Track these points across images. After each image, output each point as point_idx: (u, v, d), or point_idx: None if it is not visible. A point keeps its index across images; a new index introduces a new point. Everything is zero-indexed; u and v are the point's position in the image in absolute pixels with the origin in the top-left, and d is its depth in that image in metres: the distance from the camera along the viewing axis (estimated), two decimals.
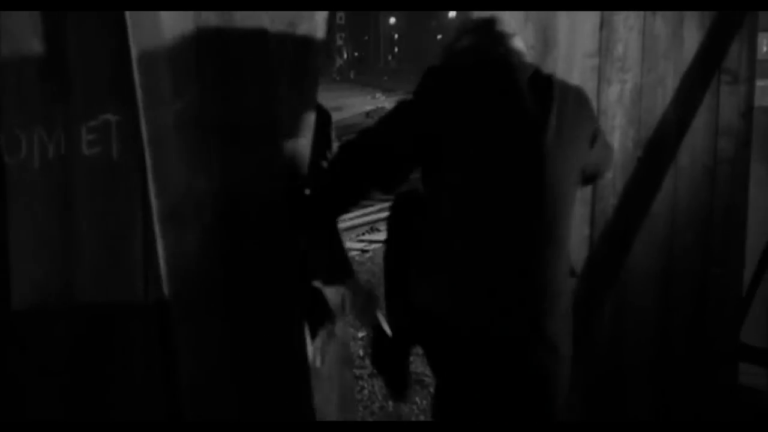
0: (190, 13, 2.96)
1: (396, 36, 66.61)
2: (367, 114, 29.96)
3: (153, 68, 2.92)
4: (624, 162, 3.87)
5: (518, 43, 3.00)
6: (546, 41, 3.72)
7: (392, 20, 64.49)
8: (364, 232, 12.12)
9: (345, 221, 12.31)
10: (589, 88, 3.81)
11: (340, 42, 52.48)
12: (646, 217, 3.94)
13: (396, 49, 66.65)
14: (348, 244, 11.41)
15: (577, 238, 3.86)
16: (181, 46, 2.95)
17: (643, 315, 3.98)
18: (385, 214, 12.81)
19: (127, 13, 2.90)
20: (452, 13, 65.51)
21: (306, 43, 3.17)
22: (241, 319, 3.13)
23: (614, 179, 3.87)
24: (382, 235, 11.97)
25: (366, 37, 63.54)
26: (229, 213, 3.08)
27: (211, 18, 2.99)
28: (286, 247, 3.21)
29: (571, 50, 3.76)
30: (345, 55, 53.41)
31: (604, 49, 3.80)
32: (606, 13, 3.81)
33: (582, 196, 3.85)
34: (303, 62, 3.17)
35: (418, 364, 5.86)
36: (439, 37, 66.95)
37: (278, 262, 3.19)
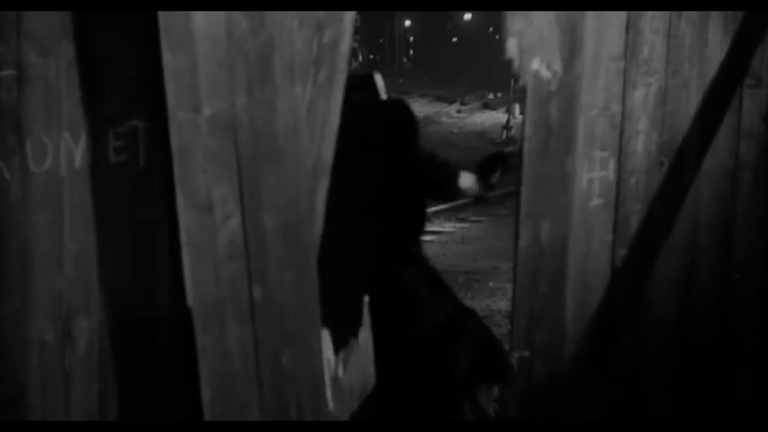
0: (221, 17, 2.96)
1: (411, 38, 66.50)
2: None
3: (183, 73, 2.92)
4: (648, 166, 3.87)
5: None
6: (573, 44, 3.73)
7: (407, 22, 64.44)
8: None
9: None
10: (614, 91, 3.82)
11: (355, 44, 52.44)
12: (670, 222, 3.94)
13: (411, 52, 66.54)
14: None
15: (598, 244, 3.87)
16: (213, 51, 2.96)
17: (665, 321, 3.97)
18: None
19: (160, 16, 2.89)
20: (467, 15, 65.40)
21: (333, 45, 3.18)
22: (264, 325, 3.14)
23: (637, 183, 3.88)
24: None
25: (381, 40, 63.48)
26: (256, 220, 3.09)
27: (242, 22, 3.00)
28: (311, 254, 3.23)
29: (598, 53, 3.77)
30: (360, 57, 53.35)
31: (629, 52, 3.82)
32: (632, 14, 3.82)
33: (604, 201, 3.85)
34: (330, 65, 3.18)
35: None
36: (454, 39, 66.82)
37: (303, 268, 3.20)
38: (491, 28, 66.14)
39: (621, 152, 3.83)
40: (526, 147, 3.68)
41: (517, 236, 3.77)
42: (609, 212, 3.85)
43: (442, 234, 12.41)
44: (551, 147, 3.70)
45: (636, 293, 3.91)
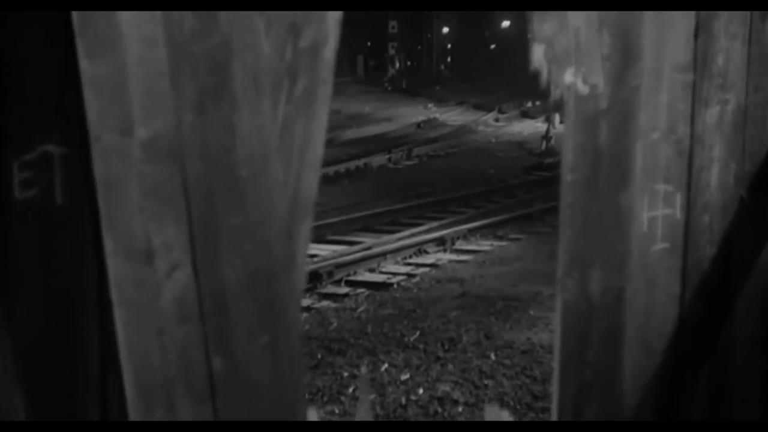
0: (158, 15, 2.22)
1: (449, 45, 65.84)
2: (419, 125, 29.22)
3: (108, 85, 2.18)
4: (724, 202, 3.09)
5: None
6: (626, 51, 2.93)
7: (445, 29, 63.80)
8: (411, 254, 11.34)
9: (392, 243, 11.57)
10: (681, 110, 3.02)
11: (392, 51, 51.93)
12: (752, 270, 3.15)
13: (449, 59, 65.87)
14: (392, 268, 10.65)
15: (662, 297, 3.08)
16: (148, 56, 2.21)
17: (748, 392, 3.19)
18: (435, 234, 12.13)
19: (74, 15, 2.17)
20: (505, 22, 64.74)
21: (314, 51, 2.41)
22: (227, 406, 2.41)
23: (711, 223, 3.09)
24: (430, 258, 11.20)
25: (419, 47, 62.85)
26: (213, 271, 2.35)
27: (187, 21, 2.25)
28: (290, 313, 2.48)
29: (659, 63, 2.96)
30: (397, 65, 52.82)
31: (700, 61, 3.01)
32: (703, 15, 3.01)
33: (670, 245, 3.07)
34: (310, 76, 2.42)
35: None
36: (492, 46, 66.15)
37: (279, 331, 2.46)
38: (530, 35, 65.29)
39: (690, 185, 3.03)
40: (569, 178, 2.88)
41: (559, 288, 3.00)
42: (676, 259, 3.06)
43: (479, 253, 11.62)
44: (601, 179, 2.91)
45: (711, 358, 3.13)
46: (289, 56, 2.40)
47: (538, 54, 2.78)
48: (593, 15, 2.84)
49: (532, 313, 8.40)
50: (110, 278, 2.25)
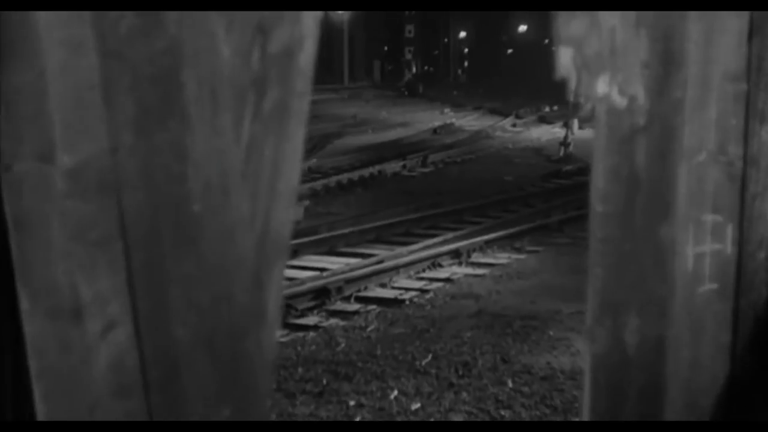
0: (86, 16, 1.76)
1: (466, 50, 65.38)
2: (435, 130, 28.76)
3: (21, 99, 1.74)
4: None
5: None
6: (668, 57, 2.43)
7: (462, 34, 63.33)
8: (424, 268, 10.86)
9: (405, 255, 11.10)
10: (732, 127, 2.52)
11: (408, 56, 51.52)
12: None
13: (466, 63, 65.41)
14: (405, 283, 10.19)
15: (710, 347, 2.60)
16: (74, 64, 1.76)
17: None
18: (450, 247, 11.66)
19: None
20: (522, 27, 64.27)
21: (286, 57, 1.95)
22: None
23: None
24: (445, 272, 10.73)
25: (435, 51, 62.43)
26: (160, 330, 1.89)
27: (124, 20, 1.79)
28: (260, 379, 2.03)
29: (706, 70, 2.46)
30: (414, 69, 52.41)
31: (754, 69, 2.51)
32: (757, 16, 2.51)
33: (719, 286, 2.59)
34: (282, 87, 1.96)
35: None
36: (509, 51, 65.68)
37: (246, 402, 2.01)
38: (546, 40, 64.92)
39: (743, 215, 2.55)
40: (600, 208, 2.40)
41: (588, 339, 2.53)
42: (726, 302, 2.58)
43: (495, 267, 11.14)
44: (638, 209, 2.43)
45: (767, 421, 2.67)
46: (255, 63, 1.94)
47: (564, 59, 2.31)
48: (631, 15, 2.37)
49: (551, 333, 7.92)
50: (27, 342, 1.80)
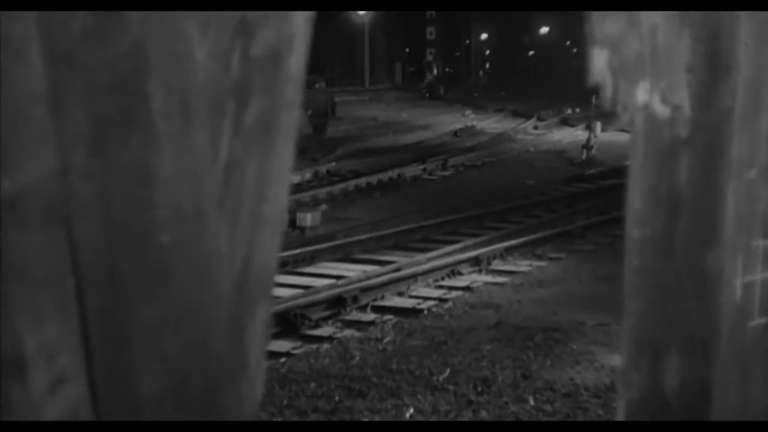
0: (30, 16, 1.48)
1: (487, 52, 65.03)
2: (455, 133, 28.44)
3: None
4: None
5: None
6: (715, 60, 2.11)
7: (484, 36, 62.97)
8: (443, 276, 10.56)
9: (423, 263, 10.80)
10: None
11: (430, 58, 51.22)
12: None
13: (487, 65, 65.06)
14: (423, 291, 9.90)
15: (761, 390, 2.29)
16: (15, 73, 1.47)
17: None
18: (469, 254, 11.36)
19: None
20: (544, 28, 63.83)
21: (273, 61, 1.67)
22: None
23: None
24: (464, 280, 10.43)
25: (457, 53, 62.10)
26: (120, 386, 1.60)
27: (76, 20, 1.50)
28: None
29: (759, 76, 2.14)
30: (435, 71, 52.10)
31: None
32: None
33: None
34: (267, 96, 1.68)
35: None
36: (531, 53, 65.31)
37: None
38: (568, 41, 64.52)
39: None
40: (637, 234, 2.08)
41: (621, 384, 2.23)
42: None
43: (516, 275, 10.83)
44: (680, 234, 2.11)
45: None
46: (236, 68, 1.65)
47: (599, 62, 2.01)
48: (675, 13, 2.07)
49: (574, 347, 7.61)
50: None
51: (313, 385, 6.93)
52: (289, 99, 1.69)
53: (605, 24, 1.99)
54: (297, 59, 1.71)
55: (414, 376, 7.05)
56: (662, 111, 2.03)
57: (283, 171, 1.72)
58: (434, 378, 6.98)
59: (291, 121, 1.69)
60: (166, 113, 1.59)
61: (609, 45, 1.99)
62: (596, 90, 2.10)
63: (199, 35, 1.61)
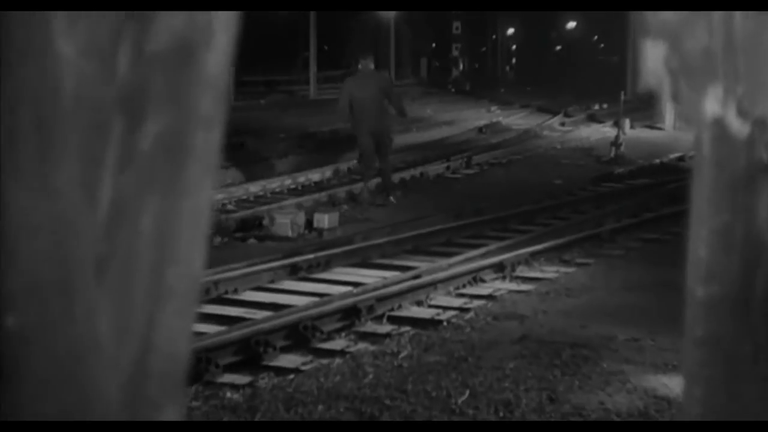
0: None
1: (514, 47, 64.37)
2: (481, 129, 27.86)
3: None
4: None
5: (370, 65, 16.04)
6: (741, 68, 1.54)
7: (510, 30, 62.30)
8: (464, 283, 10.01)
9: (444, 269, 10.25)
10: None
11: (456, 53, 50.59)
12: None
13: (514, 60, 64.40)
14: (443, 300, 9.35)
15: None
16: None
17: None
18: (493, 260, 10.82)
19: None
20: (571, 23, 63.10)
21: (179, 59, 1.14)
22: None
23: None
24: (487, 288, 9.88)
25: (483, 48, 61.46)
26: None
27: None
28: None
29: None
30: (461, 66, 51.46)
31: None
32: None
33: None
34: (171, 109, 1.16)
35: None
36: (558, 48, 64.59)
37: None
38: (596, 36, 63.74)
39: None
40: (701, 291, 1.51)
41: None
42: None
43: (542, 282, 10.26)
44: (761, 291, 1.57)
45: None
46: (123, 71, 1.13)
47: (653, 59, 1.47)
48: (701, 19, 1.50)
49: (605, 366, 7.05)
50: None
51: (321, 407, 6.41)
52: (205, 113, 1.16)
53: (662, 23, 1.44)
54: (218, 57, 1.18)
55: (430, 398, 6.52)
56: (739, 127, 1.46)
57: (198, 216, 1.18)
58: (452, 400, 6.44)
59: (209, 143, 1.16)
60: (17, 136, 1.06)
61: (667, 36, 1.44)
62: (649, 97, 1.56)
63: (66, 23, 1.08)
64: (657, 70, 1.42)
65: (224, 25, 1.16)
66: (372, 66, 16.33)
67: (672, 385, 6.63)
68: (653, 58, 1.42)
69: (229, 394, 6.83)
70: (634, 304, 9.08)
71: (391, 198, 15.92)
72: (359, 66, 16.40)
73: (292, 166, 20.36)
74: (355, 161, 19.38)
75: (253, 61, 43.37)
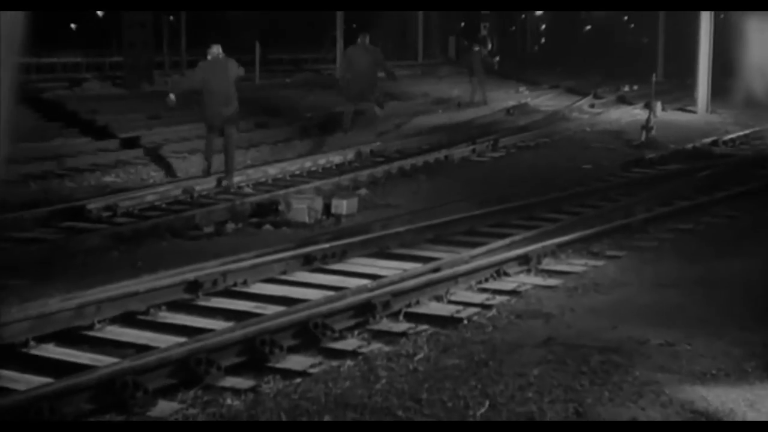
0: None
1: (543, 26, 63.40)
2: (508, 111, 27.17)
3: None
4: None
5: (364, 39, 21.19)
6: None
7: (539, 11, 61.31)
8: (487, 277, 9.44)
9: (465, 262, 9.68)
10: None
11: (484, 32, 49.77)
12: None
13: (543, 40, 63.47)
14: (464, 296, 8.79)
15: None
16: None
17: None
18: (517, 251, 10.25)
19: None
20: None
21: None
22: None
23: None
24: (511, 282, 9.31)
25: (512, 28, 60.55)
26: None
27: None
28: None
29: None
30: (489, 46, 50.62)
31: None
32: None
33: None
34: None
35: None
36: (587, 27, 63.60)
37: None
38: (626, 17, 62.58)
39: None
40: None
41: None
42: None
43: (569, 276, 9.67)
44: None
45: None
46: None
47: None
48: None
49: (637, 374, 6.47)
50: None
51: (327, 417, 5.88)
52: None
53: None
54: None
55: (446, 408, 5.97)
56: None
57: None
58: (470, 412, 5.89)
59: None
60: None
61: None
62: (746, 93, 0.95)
63: None
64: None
65: None
66: (368, 41, 21.59)
67: (711, 397, 6.06)
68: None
69: (229, 401, 6.30)
70: (667, 301, 8.49)
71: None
72: (358, 40, 21.66)
73: (314, 147, 19.79)
74: (377, 142, 19.16)
75: (279, 39, 42.76)
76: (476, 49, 31.30)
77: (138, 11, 28.73)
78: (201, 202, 14.05)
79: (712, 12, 26.78)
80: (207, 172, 15.67)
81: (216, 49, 15.87)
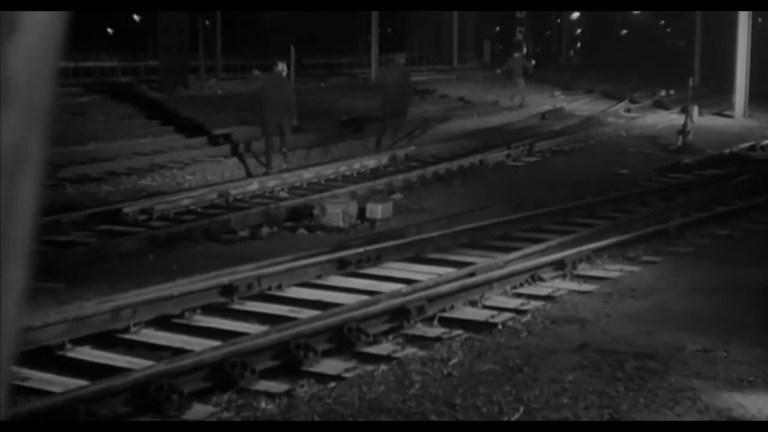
0: None
1: (578, 31, 63.21)
2: (543, 115, 27.12)
3: None
4: None
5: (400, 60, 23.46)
6: None
7: (575, 14, 61.14)
8: (522, 282, 9.41)
9: (500, 267, 9.65)
10: None
11: (519, 36, 49.63)
12: None
13: (578, 45, 63.27)
14: (498, 301, 8.76)
15: None
16: None
17: None
18: (553, 256, 10.21)
19: None
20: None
21: None
22: None
23: None
24: (546, 288, 9.27)
25: (547, 32, 60.40)
26: None
27: None
28: None
29: None
30: (525, 50, 50.51)
31: None
32: None
33: None
34: None
35: None
36: (623, 32, 63.34)
37: None
38: (662, 21, 62.27)
39: None
40: None
41: None
42: None
43: (605, 281, 9.62)
44: None
45: None
46: None
47: None
48: None
49: (673, 380, 6.43)
50: None
51: (360, 421, 5.88)
52: None
53: None
54: None
55: (480, 413, 5.95)
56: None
57: None
58: (505, 417, 5.88)
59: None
60: None
61: None
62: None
63: None
64: None
65: None
66: (403, 61, 23.81)
67: (748, 404, 6.01)
68: None
69: (263, 404, 6.31)
70: (704, 308, 8.43)
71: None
72: (394, 60, 23.43)
73: (349, 152, 19.81)
74: (412, 147, 19.13)
75: (315, 43, 42.81)
76: (516, 55, 31.47)
77: (174, 15, 28.83)
78: (236, 206, 14.09)
79: (750, 15, 26.59)
80: (266, 172, 16.84)
81: (281, 66, 17.87)
